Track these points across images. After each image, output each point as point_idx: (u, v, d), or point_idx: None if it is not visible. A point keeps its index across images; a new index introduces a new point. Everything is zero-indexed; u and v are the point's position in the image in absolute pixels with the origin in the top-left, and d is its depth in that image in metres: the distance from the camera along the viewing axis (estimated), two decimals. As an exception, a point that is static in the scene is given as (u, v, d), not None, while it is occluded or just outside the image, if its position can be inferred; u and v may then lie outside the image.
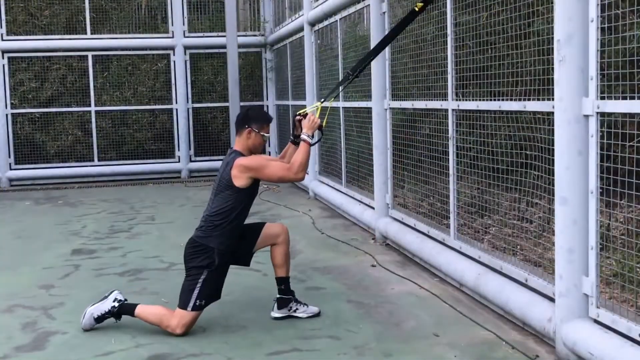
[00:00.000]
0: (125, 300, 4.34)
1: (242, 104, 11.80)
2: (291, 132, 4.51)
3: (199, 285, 4.17)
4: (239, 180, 4.18)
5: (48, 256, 6.48)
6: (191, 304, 4.15)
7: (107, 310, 4.27)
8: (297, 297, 4.47)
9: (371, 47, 6.47)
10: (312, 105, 4.55)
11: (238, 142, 4.32)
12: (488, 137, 4.55)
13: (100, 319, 4.28)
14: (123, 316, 4.29)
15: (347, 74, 4.66)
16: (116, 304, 4.28)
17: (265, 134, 4.29)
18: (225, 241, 4.21)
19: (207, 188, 11.26)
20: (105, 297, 4.34)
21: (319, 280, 5.31)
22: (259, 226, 4.48)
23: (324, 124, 4.40)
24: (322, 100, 4.55)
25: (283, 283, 4.42)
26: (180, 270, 5.75)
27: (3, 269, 6.06)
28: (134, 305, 4.28)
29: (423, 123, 5.63)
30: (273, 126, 13.23)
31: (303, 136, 4.23)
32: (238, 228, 4.30)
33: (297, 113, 4.43)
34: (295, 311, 4.39)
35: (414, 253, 5.71)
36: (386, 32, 6.27)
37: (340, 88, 4.89)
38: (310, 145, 4.23)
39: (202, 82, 12.90)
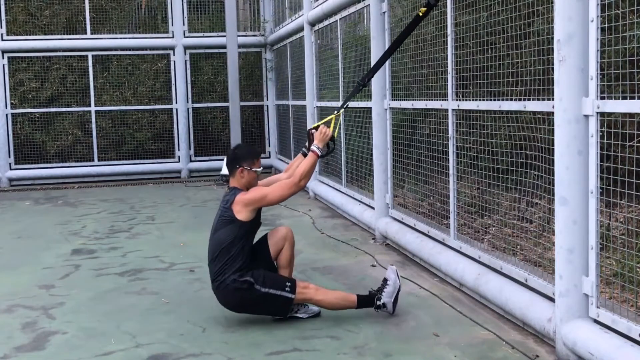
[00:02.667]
0: None
1: (242, 103, 11.81)
2: (307, 145, 4.58)
3: (270, 292, 4.18)
4: (242, 214, 4.23)
5: (48, 256, 6.48)
6: (287, 294, 4.19)
7: None
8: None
9: (371, 48, 6.48)
10: (325, 119, 4.60)
11: (233, 181, 4.36)
12: (488, 137, 4.55)
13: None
14: (123, 316, 4.27)
15: (357, 84, 4.79)
16: None
17: (258, 169, 4.34)
18: (242, 266, 4.21)
19: (207, 188, 11.27)
20: None
21: (319, 280, 5.31)
22: (263, 240, 4.53)
23: (335, 134, 4.45)
24: (336, 112, 4.62)
25: None
26: (180, 270, 5.77)
27: (3, 269, 6.06)
28: None
29: (423, 123, 5.63)
30: (273, 126, 13.24)
31: (313, 147, 4.33)
32: (247, 254, 4.27)
33: (312, 127, 4.51)
34: (296, 312, 4.39)
35: (414, 253, 5.71)
36: (386, 33, 6.27)
37: (349, 99, 4.98)
38: (320, 156, 4.32)
39: (202, 82, 12.91)
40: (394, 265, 4.58)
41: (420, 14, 4.54)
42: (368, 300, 4.35)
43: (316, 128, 4.46)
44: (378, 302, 4.32)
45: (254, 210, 4.25)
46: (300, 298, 4.24)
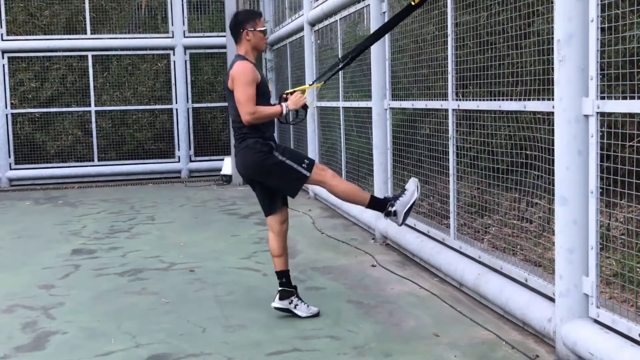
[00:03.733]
0: None
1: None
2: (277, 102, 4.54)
3: (286, 162, 4.21)
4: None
5: (48, 256, 6.48)
6: (302, 170, 4.21)
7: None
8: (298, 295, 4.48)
9: (371, 48, 6.47)
10: (299, 87, 4.57)
11: (240, 48, 4.36)
12: (488, 137, 4.55)
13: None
14: (123, 316, 4.27)
15: (337, 61, 4.72)
16: None
17: (262, 28, 4.34)
18: (265, 135, 4.25)
19: (207, 188, 11.28)
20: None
21: (319, 280, 5.31)
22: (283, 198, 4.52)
23: (309, 104, 4.43)
24: (311, 83, 4.57)
25: (284, 276, 4.43)
26: (180, 270, 5.77)
27: (3, 269, 6.06)
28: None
29: (423, 123, 5.63)
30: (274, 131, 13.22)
31: (283, 104, 4.30)
32: (264, 126, 4.29)
33: (285, 92, 4.46)
34: (295, 307, 4.39)
35: (414, 253, 5.71)
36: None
37: (328, 75, 4.89)
38: (284, 114, 4.28)
39: (202, 82, 12.91)
40: (416, 178, 4.46)
41: (413, 3, 4.47)
42: (381, 204, 4.29)
43: (292, 94, 4.43)
44: (390, 208, 4.24)
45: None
46: (315, 179, 4.25)
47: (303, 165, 4.24)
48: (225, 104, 12.27)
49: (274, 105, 4.38)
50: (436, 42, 5.24)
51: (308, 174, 4.23)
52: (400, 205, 4.24)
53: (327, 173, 4.30)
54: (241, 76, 4.17)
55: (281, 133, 12.65)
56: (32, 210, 9.48)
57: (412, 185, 4.32)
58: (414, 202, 4.27)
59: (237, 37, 4.36)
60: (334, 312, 4.47)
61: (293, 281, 4.51)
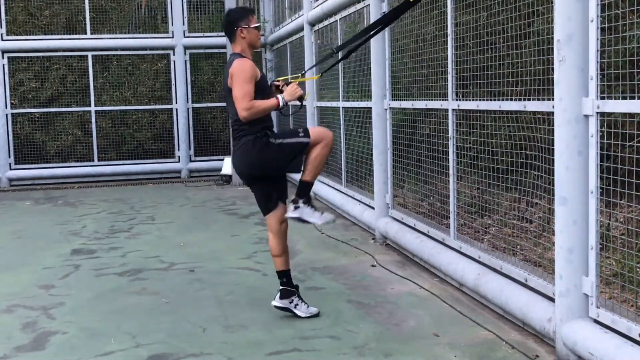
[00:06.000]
0: None
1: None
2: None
3: (285, 141, 4.26)
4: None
5: (48, 256, 6.48)
6: (302, 139, 4.25)
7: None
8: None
9: (371, 48, 6.48)
10: (293, 75, 4.53)
11: (236, 47, 4.35)
12: (488, 137, 4.55)
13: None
14: (123, 316, 4.27)
15: (330, 50, 4.69)
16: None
17: (256, 25, 4.34)
18: (259, 127, 4.26)
19: (207, 188, 11.27)
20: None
21: (319, 280, 5.31)
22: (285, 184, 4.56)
23: (305, 96, 4.41)
24: (303, 72, 4.55)
25: (285, 276, 4.43)
26: (180, 270, 5.77)
27: (3, 269, 6.06)
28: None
29: (423, 123, 5.63)
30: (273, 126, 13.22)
31: (279, 96, 4.27)
32: (261, 120, 4.29)
33: (276, 79, 4.43)
34: (295, 306, 4.39)
35: (413, 253, 5.71)
36: (386, 33, 6.26)
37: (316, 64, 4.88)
38: (281, 107, 4.25)
39: (202, 82, 12.91)
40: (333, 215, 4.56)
41: (411, 0, 4.46)
42: (305, 192, 4.37)
43: (287, 84, 4.39)
44: (300, 202, 4.34)
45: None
46: (315, 139, 4.28)
47: (300, 134, 4.29)
48: (225, 104, 12.30)
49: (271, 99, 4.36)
50: (436, 42, 5.24)
51: (308, 139, 4.27)
52: (305, 212, 4.35)
53: (327, 133, 4.34)
54: (240, 73, 4.16)
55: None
56: (32, 210, 9.48)
57: (329, 216, 4.45)
58: (311, 221, 4.39)
59: (231, 35, 4.34)
60: (334, 312, 4.47)
61: (293, 281, 4.51)
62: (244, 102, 4.12)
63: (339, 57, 4.63)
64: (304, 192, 4.37)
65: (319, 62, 4.74)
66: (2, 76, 12.06)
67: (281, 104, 4.24)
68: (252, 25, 4.32)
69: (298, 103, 4.44)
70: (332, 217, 4.45)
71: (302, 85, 4.44)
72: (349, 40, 4.68)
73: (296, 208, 4.35)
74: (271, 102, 4.23)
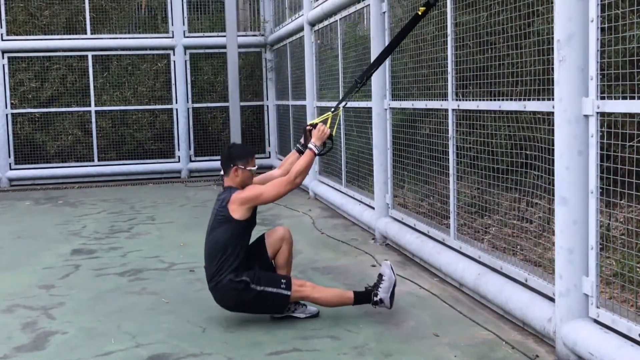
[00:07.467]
0: None
1: (242, 103, 11.80)
2: (302, 140, 4.57)
3: (266, 290, 4.19)
4: (238, 213, 4.21)
5: (48, 256, 6.48)
6: (283, 291, 4.20)
7: None
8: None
9: (371, 48, 6.48)
10: (322, 116, 4.58)
11: (228, 181, 4.35)
12: (488, 137, 4.55)
13: None
14: (123, 316, 4.27)
15: (354, 82, 4.74)
16: None
17: (252, 168, 4.32)
18: (238, 266, 4.21)
19: (207, 188, 11.27)
20: None
21: (319, 280, 5.31)
22: (261, 239, 4.53)
23: (333, 132, 4.44)
24: (333, 110, 4.60)
25: None
26: (180, 270, 5.77)
27: (3, 269, 6.06)
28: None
29: (423, 123, 5.63)
30: (273, 126, 13.24)
31: (310, 145, 4.32)
32: (243, 253, 4.27)
33: (308, 124, 4.48)
34: (293, 312, 4.39)
35: (414, 253, 5.71)
36: (386, 33, 6.27)
37: (347, 97, 4.93)
38: (317, 154, 4.31)
39: (202, 82, 12.90)
40: (388, 260, 4.59)
41: (420, 13, 4.54)
42: (365, 297, 4.35)
43: (314, 126, 4.43)
44: (375, 298, 4.31)
45: (250, 208, 4.25)
46: (296, 296, 4.25)
47: (282, 286, 4.21)
48: (226, 103, 12.31)
49: (297, 149, 4.50)
50: (436, 42, 5.24)
51: (289, 293, 4.21)
52: (384, 292, 4.32)
53: (307, 288, 4.26)
54: (251, 194, 4.20)
55: (281, 132, 12.66)
56: (32, 210, 9.48)
57: (387, 269, 4.39)
58: (394, 283, 4.35)
59: (226, 170, 4.33)
60: (334, 312, 4.47)
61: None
62: (281, 185, 4.21)
63: (360, 85, 4.70)
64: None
65: (345, 96, 4.76)
66: (2, 76, 12.06)
67: (316, 152, 4.32)
68: (249, 168, 4.30)
69: (329, 142, 4.49)
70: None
71: (324, 122, 4.49)
72: (367, 68, 4.78)
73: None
74: (307, 158, 4.28)
